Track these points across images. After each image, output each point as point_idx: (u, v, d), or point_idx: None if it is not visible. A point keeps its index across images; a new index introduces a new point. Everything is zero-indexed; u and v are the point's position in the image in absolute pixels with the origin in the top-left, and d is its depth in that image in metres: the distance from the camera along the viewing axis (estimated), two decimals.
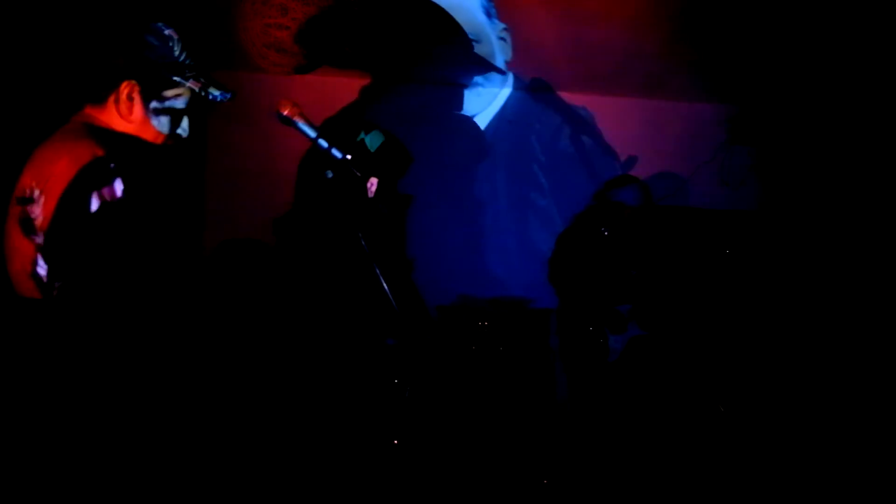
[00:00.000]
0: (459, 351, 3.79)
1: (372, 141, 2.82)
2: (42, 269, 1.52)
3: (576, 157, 4.73)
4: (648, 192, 3.79)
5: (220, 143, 3.96)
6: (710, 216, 4.53)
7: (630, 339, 3.60)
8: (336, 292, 2.77)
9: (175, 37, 1.71)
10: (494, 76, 4.49)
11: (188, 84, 1.72)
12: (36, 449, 1.56)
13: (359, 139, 2.75)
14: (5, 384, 1.62)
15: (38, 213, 1.52)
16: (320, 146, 1.86)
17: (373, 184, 2.71)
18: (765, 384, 3.93)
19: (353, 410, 2.73)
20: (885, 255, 4.17)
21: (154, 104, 1.71)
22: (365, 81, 4.39)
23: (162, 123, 1.73)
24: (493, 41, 4.24)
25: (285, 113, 1.87)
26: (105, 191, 1.51)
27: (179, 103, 1.74)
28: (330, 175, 1.90)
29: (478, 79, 4.54)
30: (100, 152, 1.55)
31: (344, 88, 4.33)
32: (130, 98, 1.68)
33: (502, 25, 4.19)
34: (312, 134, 1.87)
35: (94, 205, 1.50)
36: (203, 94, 1.73)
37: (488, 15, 4.13)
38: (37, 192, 1.53)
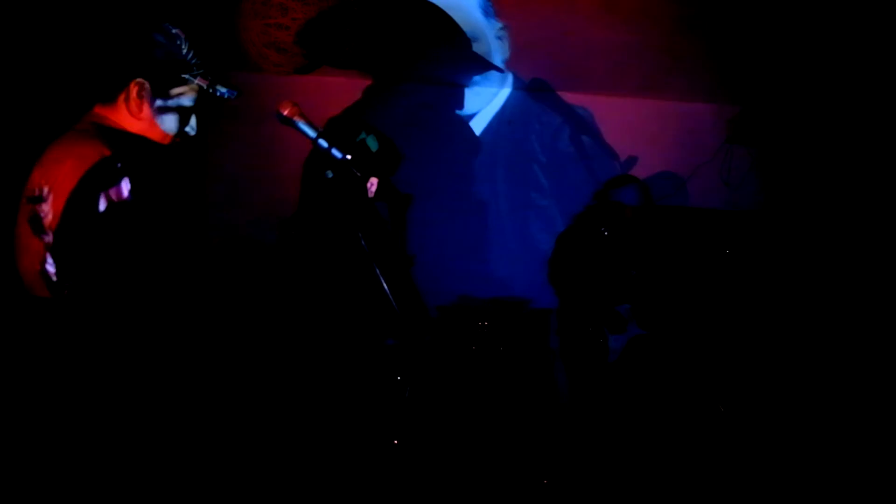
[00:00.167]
0: (459, 351, 3.79)
1: (372, 141, 2.82)
2: (51, 268, 1.54)
3: (576, 157, 4.73)
4: (648, 192, 3.79)
5: (220, 143, 3.95)
6: (710, 216, 4.53)
7: (630, 339, 3.60)
8: (336, 292, 2.77)
9: (182, 36, 1.74)
10: (493, 76, 4.49)
11: (196, 81, 1.75)
12: (42, 446, 1.58)
13: (359, 139, 2.75)
14: (15, 380, 1.65)
15: (47, 211, 1.54)
16: (320, 146, 1.86)
17: (373, 184, 2.71)
18: (765, 384, 3.93)
19: (353, 410, 2.73)
20: (885, 254, 4.16)
21: (163, 102, 1.73)
22: (365, 81, 4.39)
23: (171, 121, 1.76)
24: (491, 40, 4.24)
25: (285, 113, 1.87)
26: (112, 191, 1.53)
27: (188, 101, 1.77)
28: (330, 175, 1.90)
29: (477, 78, 4.54)
30: (107, 152, 1.57)
31: (344, 88, 4.32)
32: (140, 96, 1.70)
33: (500, 24, 4.19)
34: (312, 134, 1.87)
35: (102, 204, 1.52)
36: (211, 91, 1.76)
37: (486, 14, 4.13)
38: (46, 190, 1.55)
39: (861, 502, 3.15)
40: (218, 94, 1.76)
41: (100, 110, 1.72)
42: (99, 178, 1.54)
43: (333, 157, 1.86)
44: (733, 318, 4.06)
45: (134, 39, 1.72)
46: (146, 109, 1.72)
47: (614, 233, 3.71)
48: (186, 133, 1.80)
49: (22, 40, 2.88)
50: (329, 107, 4.15)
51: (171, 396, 1.66)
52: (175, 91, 1.74)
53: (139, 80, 1.70)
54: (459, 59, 4.32)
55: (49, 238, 1.53)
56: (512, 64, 4.42)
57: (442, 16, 4.06)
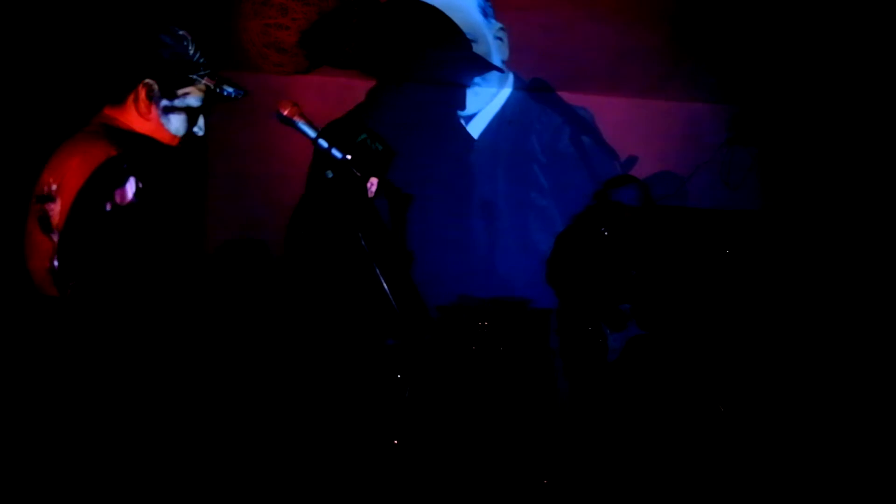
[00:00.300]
0: (459, 351, 3.79)
1: (371, 142, 2.82)
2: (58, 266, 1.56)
3: (576, 157, 4.73)
4: (648, 192, 3.79)
5: (220, 144, 3.96)
6: (710, 216, 4.53)
7: (630, 338, 3.60)
8: (336, 292, 2.77)
9: (189, 37, 1.77)
10: (494, 76, 4.49)
11: (203, 82, 1.77)
12: (49, 442, 1.60)
13: (359, 140, 2.75)
14: (24, 377, 1.67)
15: (55, 210, 1.57)
16: (320, 146, 1.86)
17: (373, 184, 2.71)
18: (765, 384, 3.93)
19: (354, 410, 2.73)
20: (885, 254, 4.17)
21: (171, 102, 1.76)
22: (365, 81, 4.39)
23: (179, 121, 1.78)
24: (490, 41, 4.25)
25: (285, 113, 1.87)
26: (118, 191, 1.55)
27: (195, 101, 1.79)
28: (330, 175, 1.90)
29: (477, 78, 4.55)
30: (113, 152, 1.59)
31: (344, 88, 4.33)
32: (148, 97, 1.73)
33: (499, 25, 4.19)
34: (312, 134, 1.87)
35: (108, 205, 1.54)
36: (217, 90, 1.78)
37: (485, 14, 4.13)
38: (54, 188, 1.58)
39: (861, 502, 3.15)
40: (225, 93, 1.79)
41: (109, 111, 1.75)
42: (105, 179, 1.55)
43: (333, 157, 1.86)
44: (733, 318, 4.06)
45: (141, 41, 1.75)
46: (154, 110, 1.74)
47: (614, 233, 3.71)
48: (195, 133, 1.83)
49: (33, 43, 2.93)
50: (329, 107, 4.15)
51: (172, 395, 1.67)
52: (182, 91, 1.76)
53: (147, 80, 1.72)
54: (459, 59, 4.32)
55: (56, 237, 1.55)
56: (512, 64, 4.42)
57: (441, 17, 4.06)
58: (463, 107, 4.61)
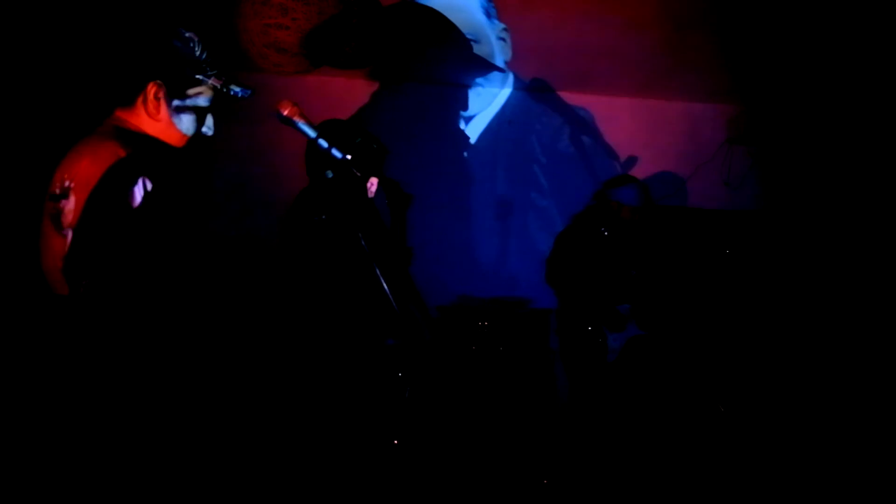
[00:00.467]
0: (459, 351, 3.79)
1: (370, 141, 2.82)
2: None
3: (576, 157, 4.73)
4: (648, 192, 3.79)
5: (220, 144, 3.95)
6: (710, 216, 4.53)
7: (629, 338, 3.60)
8: (336, 292, 2.77)
9: (195, 38, 1.80)
10: (495, 76, 4.49)
11: (210, 82, 1.81)
12: (60, 439, 1.62)
13: (357, 140, 2.75)
14: (35, 375, 1.72)
15: (68, 208, 1.60)
16: (320, 146, 1.86)
17: (373, 184, 2.70)
18: (765, 384, 3.93)
19: (353, 410, 2.73)
20: (885, 254, 4.17)
21: (179, 102, 1.79)
22: (365, 81, 4.39)
23: (188, 121, 1.82)
24: (493, 41, 4.24)
25: (285, 113, 1.86)
26: (128, 192, 1.58)
27: (203, 101, 1.82)
28: (330, 175, 1.90)
29: (478, 79, 4.55)
30: (122, 152, 1.63)
31: (344, 88, 4.33)
32: (157, 98, 1.76)
33: (502, 26, 4.19)
34: (312, 134, 1.87)
35: (118, 205, 1.57)
36: (224, 90, 1.82)
37: (488, 15, 4.13)
38: (67, 185, 1.61)
39: (861, 502, 3.15)
40: (231, 93, 1.82)
41: (120, 114, 1.78)
42: (115, 180, 1.58)
43: (333, 157, 1.86)
44: (733, 317, 4.06)
45: (148, 43, 1.78)
46: (164, 110, 1.77)
47: (614, 233, 3.71)
48: (204, 133, 1.87)
49: (46, 48, 3.02)
50: (329, 107, 4.14)
51: (173, 394, 1.68)
52: (191, 91, 1.80)
53: (156, 81, 1.75)
54: (461, 59, 4.32)
55: (69, 236, 1.58)
56: (513, 64, 4.42)
57: (444, 18, 4.06)
58: (463, 107, 4.61)
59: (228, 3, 3.57)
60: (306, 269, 2.78)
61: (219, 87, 1.81)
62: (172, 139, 1.81)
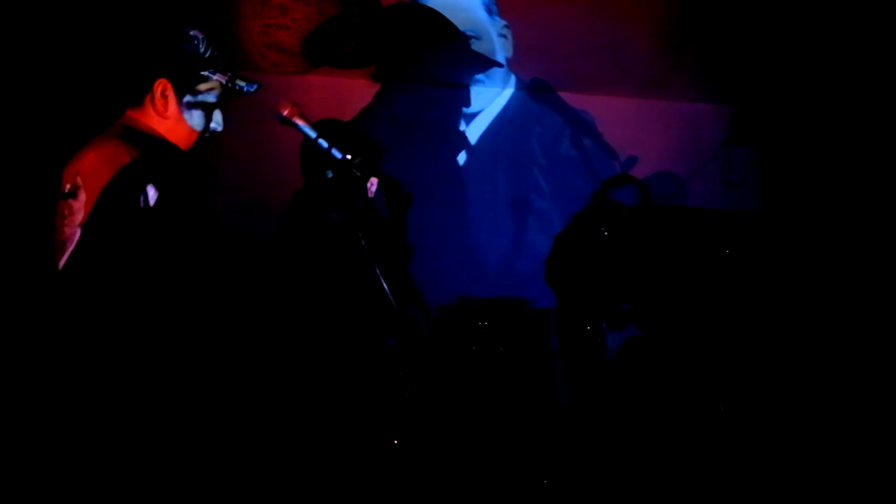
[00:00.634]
0: (459, 351, 3.79)
1: (367, 141, 2.83)
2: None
3: (576, 157, 4.73)
4: (647, 192, 3.79)
5: (220, 143, 3.95)
6: (710, 216, 4.53)
7: (629, 338, 3.60)
8: (336, 292, 2.77)
9: (200, 35, 1.82)
10: (496, 76, 4.49)
11: (216, 77, 1.82)
12: (66, 441, 1.63)
13: (355, 140, 2.76)
14: (45, 374, 1.73)
15: (77, 207, 1.61)
16: (320, 146, 1.86)
17: (373, 184, 2.71)
18: (765, 384, 3.93)
19: (353, 410, 2.73)
20: (885, 254, 4.17)
21: (187, 99, 1.81)
22: (365, 81, 4.38)
23: (196, 117, 1.83)
24: (494, 38, 4.24)
25: (285, 113, 1.86)
26: (137, 192, 1.62)
27: (210, 97, 1.84)
28: (330, 175, 1.90)
29: (479, 78, 4.54)
30: (128, 150, 1.64)
31: (344, 88, 4.32)
32: (164, 95, 1.78)
33: (503, 22, 4.19)
34: (312, 134, 1.87)
35: (127, 205, 1.60)
36: (231, 86, 1.84)
37: (489, 12, 4.13)
38: (77, 181, 1.62)
39: (861, 502, 3.15)
40: (238, 88, 1.84)
41: (131, 113, 1.80)
42: (124, 180, 1.60)
43: (333, 157, 1.86)
44: (733, 318, 4.06)
45: (153, 42, 1.80)
46: (172, 108, 1.79)
47: (614, 233, 3.71)
48: (213, 129, 1.88)
49: (57, 49, 3.05)
50: (329, 107, 4.14)
51: (176, 394, 1.69)
52: (198, 87, 1.82)
53: (162, 79, 1.77)
54: (462, 57, 4.32)
55: (77, 234, 1.59)
56: (513, 64, 4.42)
57: (443, 17, 4.06)
58: (464, 107, 4.61)
59: (228, 4, 3.57)
60: (306, 269, 2.78)
61: (225, 82, 1.83)
62: (181, 137, 1.83)
